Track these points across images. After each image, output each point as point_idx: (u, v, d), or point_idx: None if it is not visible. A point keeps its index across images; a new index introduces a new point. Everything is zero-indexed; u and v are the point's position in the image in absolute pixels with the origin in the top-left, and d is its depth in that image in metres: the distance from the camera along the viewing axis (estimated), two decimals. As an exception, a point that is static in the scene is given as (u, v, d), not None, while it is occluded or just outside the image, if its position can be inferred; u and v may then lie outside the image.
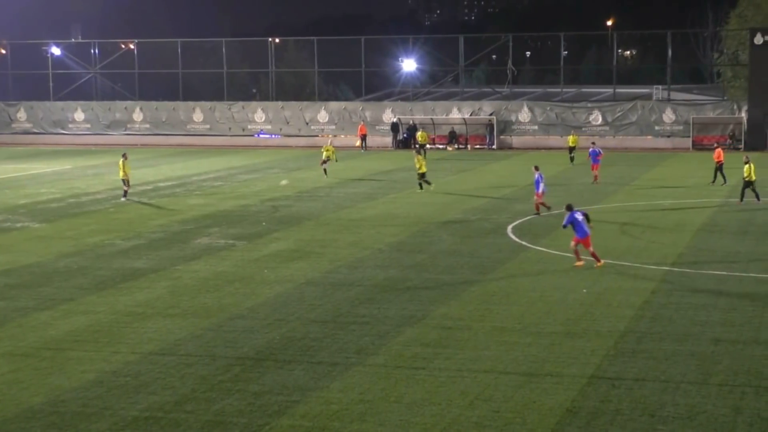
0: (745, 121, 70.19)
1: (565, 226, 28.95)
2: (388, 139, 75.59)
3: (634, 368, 19.21)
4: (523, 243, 33.44)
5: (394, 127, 75.48)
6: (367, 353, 20.83)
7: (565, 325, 22.65)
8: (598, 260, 28.75)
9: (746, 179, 41.31)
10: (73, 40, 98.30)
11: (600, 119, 74.18)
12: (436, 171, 57.07)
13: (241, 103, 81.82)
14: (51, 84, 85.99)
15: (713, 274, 28.19)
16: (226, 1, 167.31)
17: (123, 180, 44.91)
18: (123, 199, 44.49)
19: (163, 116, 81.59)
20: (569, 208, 29.34)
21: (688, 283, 27.24)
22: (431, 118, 75.99)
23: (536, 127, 75.47)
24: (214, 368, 19.77)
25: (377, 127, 76.62)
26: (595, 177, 49.16)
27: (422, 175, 46.89)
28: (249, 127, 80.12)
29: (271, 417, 17.09)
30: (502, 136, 74.74)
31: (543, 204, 38.73)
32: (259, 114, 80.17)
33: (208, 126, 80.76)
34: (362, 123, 75.13)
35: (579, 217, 28.66)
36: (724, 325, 22.43)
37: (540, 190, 38.52)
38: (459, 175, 56.10)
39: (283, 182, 41.77)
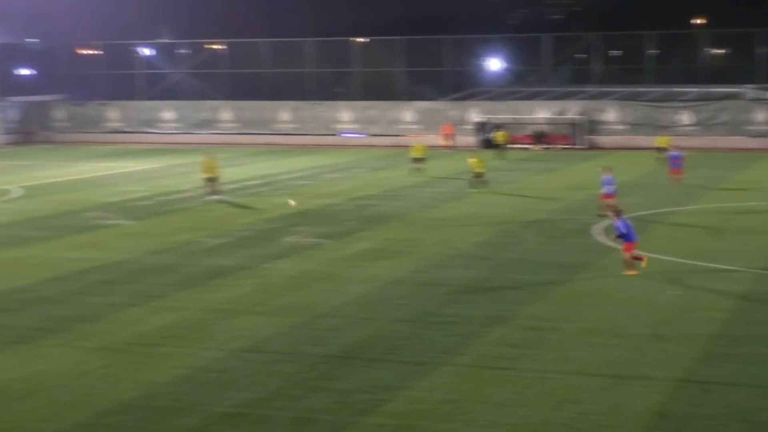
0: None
1: (623, 234, 28.07)
2: (473, 139, 75.28)
3: (725, 372, 18.86)
4: (610, 244, 33.08)
5: (479, 126, 75.21)
6: (454, 353, 20.78)
7: (653, 327, 22.36)
8: (642, 259, 27.96)
9: None
10: (162, 40, 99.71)
11: (689, 119, 72.96)
12: (521, 171, 56.95)
13: (326, 103, 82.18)
14: (141, 84, 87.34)
15: (807, 277, 27.64)
16: (310, 1, 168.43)
17: (207, 179, 45.29)
18: (212, 197, 44.78)
19: (250, 115, 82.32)
20: (619, 213, 28.70)
21: (780, 286, 26.76)
22: (516, 118, 75.53)
23: (624, 127, 74.51)
24: (301, 366, 19.90)
25: (462, 127, 76.35)
26: (676, 180, 47.58)
27: (478, 175, 46.74)
28: (334, 126, 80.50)
29: (358, 415, 17.15)
30: (589, 136, 73.87)
31: (602, 207, 37.47)
32: (344, 113, 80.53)
33: (294, 125, 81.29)
34: (447, 122, 75.02)
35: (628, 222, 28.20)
36: (818, 330, 22.00)
37: (607, 191, 37.93)
38: (544, 175, 55.63)
39: (292, 203, 36.81)
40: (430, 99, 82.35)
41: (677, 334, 21.65)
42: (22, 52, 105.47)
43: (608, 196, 37.55)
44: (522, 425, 16.36)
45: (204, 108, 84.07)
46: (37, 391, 18.57)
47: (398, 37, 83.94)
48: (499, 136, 66.30)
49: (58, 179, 55.70)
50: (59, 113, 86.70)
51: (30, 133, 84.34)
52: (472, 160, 47.31)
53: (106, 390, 18.60)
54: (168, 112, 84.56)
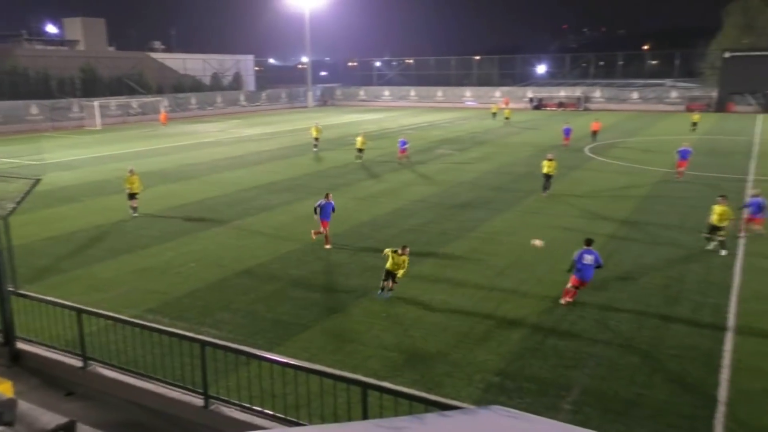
0: None
1: (681, 152, 21.32)
2: (529, 106, 69.96)
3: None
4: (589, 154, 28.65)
5: (531, 99, 69.70)
6: (514, 207, 19.51)
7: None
8: (680, 174, 21.43)
9: None
10: (384, 58, 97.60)
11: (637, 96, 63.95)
12: (551, 120, 51.23)
13: (459, 87, 78.18)
14: (373, 78, 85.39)
15: None
16: (455, 32, 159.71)
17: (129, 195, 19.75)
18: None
19: (428, 94, 78.81)
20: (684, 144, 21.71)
21: None
22: (551, 95, 69.22)
23: (602, 100, 65.97)
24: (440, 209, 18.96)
25: (523, 99, 70.41)
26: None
27: (507, 118, 41.49)
28: (462, 98, 76.10)
29: (467, 231, 16.82)
30: (585, 104, 66.06)
31: (748, 229, 16.09)
32: (467, 92, 76.35)
33: (444, 98, 77.38)
34: (505, 96, 69.08)
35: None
36: None
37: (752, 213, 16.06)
38: (561, 123, 42.64)
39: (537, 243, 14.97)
40: (509, 85, 78.42)
41: None
42: (322, 64, 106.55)
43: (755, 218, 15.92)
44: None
45: (402, 90, 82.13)
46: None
47: (494, 56, 79.95)
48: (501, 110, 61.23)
49: (338, 122, 54.39)
50: (338, 92, 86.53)
51: (325, 101, 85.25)
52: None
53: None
54: (386, 92, 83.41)
